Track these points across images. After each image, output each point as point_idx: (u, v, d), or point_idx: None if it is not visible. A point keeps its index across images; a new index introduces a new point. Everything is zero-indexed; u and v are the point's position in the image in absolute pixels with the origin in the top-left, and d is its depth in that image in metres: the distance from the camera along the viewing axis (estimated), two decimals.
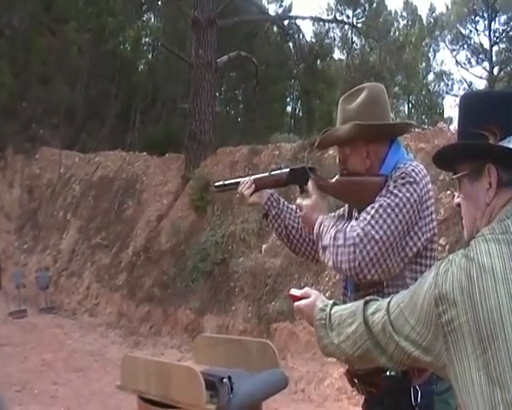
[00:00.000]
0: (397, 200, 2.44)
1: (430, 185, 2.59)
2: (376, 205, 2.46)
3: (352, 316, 1.95)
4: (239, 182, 3.12)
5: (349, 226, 2.47)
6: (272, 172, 3.08)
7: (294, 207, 3.08)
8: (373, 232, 2.39)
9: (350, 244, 2.41)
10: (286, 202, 3.12)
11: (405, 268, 2.53)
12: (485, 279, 1.53)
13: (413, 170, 2.52)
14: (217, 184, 3.33)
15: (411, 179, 2.49)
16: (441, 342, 1.62)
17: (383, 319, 1.81)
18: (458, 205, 1.88)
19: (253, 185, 3.05)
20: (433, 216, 2.59)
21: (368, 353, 1.89)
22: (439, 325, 1.61)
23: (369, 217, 2.43)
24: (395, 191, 2.47)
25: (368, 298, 1.98)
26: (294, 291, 2.33)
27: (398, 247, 2.45)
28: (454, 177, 1.83)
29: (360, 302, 1.97)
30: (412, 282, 2.48)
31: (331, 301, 2.14)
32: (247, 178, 3.10)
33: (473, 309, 1.52)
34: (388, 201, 2.45)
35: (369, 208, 2.48)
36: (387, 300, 1.86)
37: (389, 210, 2.42)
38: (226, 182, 3.28)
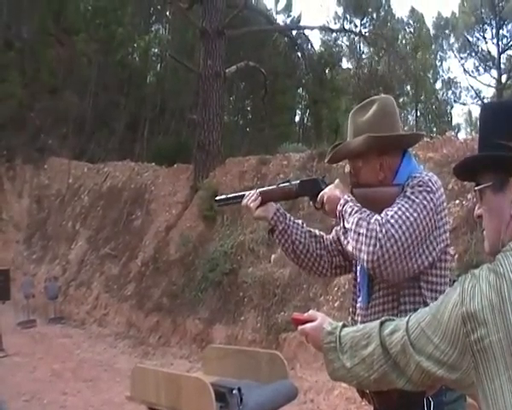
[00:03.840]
0: (414, 205, 2.43)
1: (444, 197, 2.57)
2: (395, 208, 2.45)
3: (367, 338, 1.89)
4: (243, 195, 3.06)
5: (373, 218, 2.45)
6: (280, 185, 3.02)
7: (300, 221, 3.07)
8: (393, 231, 2.37)
9: (371, 236, 2.40)
10: (292, 217, 3.07)
11: (420, 279, 2.51)
12: None
13: (429, 180, 2.52)
14: (218, 198, 3.28)
15: (428, 188, 2.48)
16: (469, 361, 1.57)
17: (403, 339, 1.75)
18: (479, 216, 1.81)
19: (260, 198, 2.98)
20: (447, 227, 2.58)
21: (385, 376, 1.83)
22: (467, 343, 1.56)
23: (389, 216, 2.42)
24: (412, 197, 2.46)
25: (383, 318, 1.92)
26: (297, 315, 2.24)
27: (415, 251, 2.42)
28: (476, 188, 1.78)
29: (375, 323, 1.92)
30: (428, 293, 2.49)
31: (340, 324, 2.06)
32: (252, 191, 3.04)
33: (505, 328, 1.48)
34: (406, 205, 2.44)
35: (388, 210, 2.47)
36: (405, 319, 1.80)
37: (408, 214, 2.41)
38: (229, 196, 3.22)
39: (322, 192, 2.80)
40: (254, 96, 28.23)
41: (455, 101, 41.90)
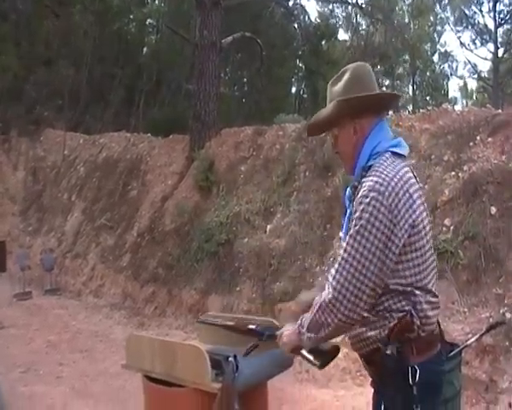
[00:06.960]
0: (369, 226, 2.36)
1: (405, 178, 2.46)
2: (336, 264, 2.44)
3: None
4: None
5: (320, 299, 2.45)
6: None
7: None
8: (339, 295, 2.38)
9: (325, 311, 2.42)
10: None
11: (399, 269, 2.43)
12: None
13: (377, 182, 2.41)
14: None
15: (374, 194, 2.38)
16: None
17: None
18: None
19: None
20: (412, 203, 2.44)
21: None
22: None
23: (330, 280, 2.43)
24: (363, 215, 2.38)
25: None
26: None
27: (376, 269, 2.37)
28: None
29: None
30: (411, 279, 2.43)
31: None
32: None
33: None
34: (349, 248, 2.40)
35: (332, 269, 2.46)
36: None
37: (350, 259, 2.39)
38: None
39: (278, 333, 2.82)
40: (250, 67, 28.07)
41: (451, 74, 41.90)
